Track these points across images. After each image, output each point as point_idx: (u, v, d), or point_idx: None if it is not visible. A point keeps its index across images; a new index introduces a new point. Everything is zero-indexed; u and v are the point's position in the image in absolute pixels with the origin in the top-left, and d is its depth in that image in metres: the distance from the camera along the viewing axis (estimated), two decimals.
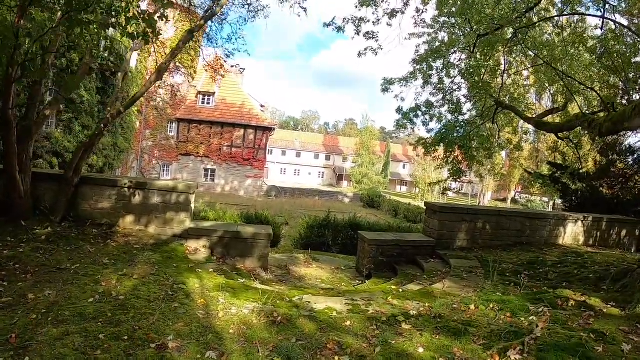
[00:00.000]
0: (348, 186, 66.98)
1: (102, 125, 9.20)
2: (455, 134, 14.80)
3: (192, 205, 9.15)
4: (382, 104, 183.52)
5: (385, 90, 16.54)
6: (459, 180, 15.82)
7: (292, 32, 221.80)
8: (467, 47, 12.51)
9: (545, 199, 66.88)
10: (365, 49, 14.43)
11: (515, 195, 65.16)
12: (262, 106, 48.52)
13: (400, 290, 7.20)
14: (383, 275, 8.95)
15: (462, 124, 15.50)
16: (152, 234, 8.56)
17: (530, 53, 12.82)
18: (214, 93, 40.17)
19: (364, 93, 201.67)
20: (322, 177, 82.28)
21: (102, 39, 7.73)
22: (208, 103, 40.36)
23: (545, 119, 13.11)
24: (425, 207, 10.54)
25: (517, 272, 7.80)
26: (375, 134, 68.59)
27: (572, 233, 11.64)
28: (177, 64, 36.53)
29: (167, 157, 38.78)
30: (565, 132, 11.76)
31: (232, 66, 47.46)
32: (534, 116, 13.79)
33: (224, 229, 8.81)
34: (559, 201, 29.43)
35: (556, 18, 12.02)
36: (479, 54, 12.47)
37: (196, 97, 40.25)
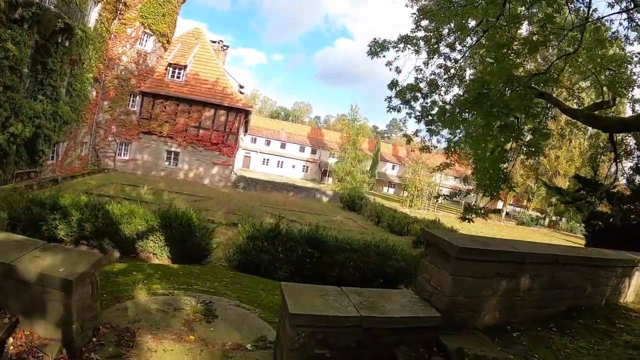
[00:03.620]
0: (332, 183, 62.23)
1: None
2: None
3: None
4: (378, 104, 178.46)
5: (373, 53, 12.52)
6: (492, 197, 11.73)
7: (297, 25, 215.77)
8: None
9: (536, 214, 63.08)
10: None
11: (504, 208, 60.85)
12: (240, 87, 44.14)
13: None
14: None
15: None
16: None
17: None
18: (185, 66, 35.96)
19: (362, 93, 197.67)
20: (306, 172, 78.04)
21: None
22: (178, 77, 36.09)
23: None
24: (424, 240, 5.55)
25: None
26: (365, 128, 63.52)
27: (637, 285, 7.21)
28: (149, 29, 32.44)
29: (127, 134, 34.61)
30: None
31: (213, 41, 43.71)
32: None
33: None
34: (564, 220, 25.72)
35: None
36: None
37: (166, 69, 35.95)
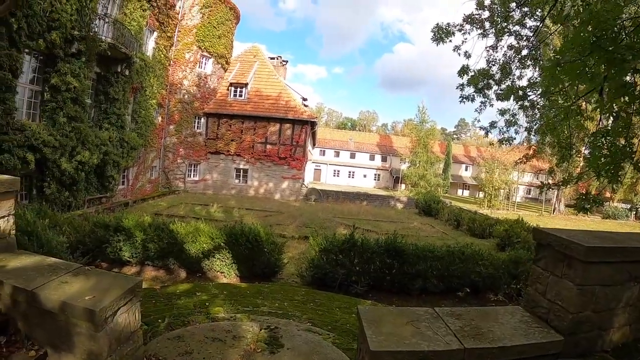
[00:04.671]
0: (405, 189, 60.49)
1: None
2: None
3: None
4: (443, 106, 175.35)
5: (438, 39, 11.44)
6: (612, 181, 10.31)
7: (354, 37, 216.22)
8: None
9: (625, 206, 58.34)
10: None
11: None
12: (303, 99, 43.63)
13: None
14: None
15: None
16: None
17: None
18: (246, 84, 35.82)
19: (426, 96, 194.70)
20: (378, 180, 76.68)
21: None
22: (240, 95, 35.99)
23: None
24: (535, 242, 4.32)
25: None
26: (434, 130, 61.21)
27: None
28: (207, 52, 32.76)
29: (195, 155, 34.79)
30: None
31: (271, 57, 43.69)
32: None
33: (22, 278, 3.89)
34: None
35: None
36: None
37: (227, 89, 36.03)
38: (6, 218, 4.58)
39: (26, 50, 16.32)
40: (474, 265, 10.72)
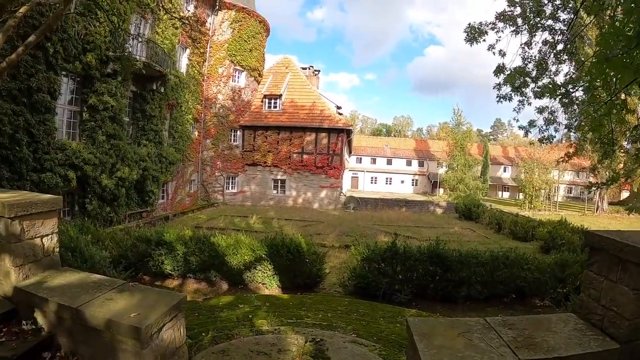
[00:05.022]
0: (444, 194, 59.57)
1: None
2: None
3: (40, 242, 4.49)
4: (477, 107, 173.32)
5: (472, 39, 11.30)
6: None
7: (384, 42, 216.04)
8: None
9: None
10: None
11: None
12: (338, 108, 43.56)
13: None
14: None
15: None
16: None
17: None
18: (280, 95, 36.09)
19: (460, 98, 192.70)
20: (416, 185, 76.02)
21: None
22: (275, 107, 36.22)
23: None
24: (587, 245, 4.01)
25: None
26: (470, 132, 60.07)
27: None
28: (240, 65, 33.20)
29: (232, 168, 35.19)
30: None
31: (303, 68, 43.89)
32: None
33: (67, 296, 3.91)
34: None
35: None
36: None
37: (262, 101, 36.37)
38: (50, 236, 4.61)
39: (63, 72, 16.84)
40: (518, 270, 10.35)
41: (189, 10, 28.19)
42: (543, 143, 13.78)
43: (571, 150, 13.76)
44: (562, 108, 12.69)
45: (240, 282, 10.72)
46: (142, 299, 3.89)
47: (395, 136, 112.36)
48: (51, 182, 15.70)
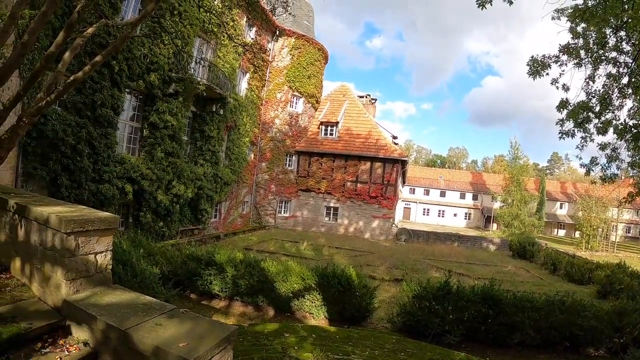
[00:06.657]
0: (497, 229, 57.76)
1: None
2: None
3: (94, 258, 4.54)
4: (534, 140, 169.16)
5: (534, 73, 11.03)
6: None
7: (442, 72, 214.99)
8: None
9: None
10: None
11: None
12: (394, 137, 43.28)
13: None
14: None
15: None
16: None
17: None
18: (337, 123, 36.16)
19: (517, 131, 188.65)
20: (469, 219, 74.36)
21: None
22: (331, 134, 36.35)
23: None
24: None
25: None
26: (527, 167, 57.97)
27: None
28: (298, 91, 33.62)
29: (286, 192, 35.33)
30: None
31: (360, 96, 44.00)
32: None
33: (115, 316, 3.88)
34: None
35: None
36: None
37: (318, 128, 36.59)
38: (104, 253, 4.62)
39: (127, 90, 17.48)
40: (575, 317, 9.81)
41: (251, 38, 28.82)
42: (605, 182, 13.27)
43: (634, 190, 13.21)
44: (626, 144, 12.23)
45: (287, 310, 10.60)
46: (192, 327, 3.81)
47: (449, 167, 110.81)
48: (108, 193, 16.18)
